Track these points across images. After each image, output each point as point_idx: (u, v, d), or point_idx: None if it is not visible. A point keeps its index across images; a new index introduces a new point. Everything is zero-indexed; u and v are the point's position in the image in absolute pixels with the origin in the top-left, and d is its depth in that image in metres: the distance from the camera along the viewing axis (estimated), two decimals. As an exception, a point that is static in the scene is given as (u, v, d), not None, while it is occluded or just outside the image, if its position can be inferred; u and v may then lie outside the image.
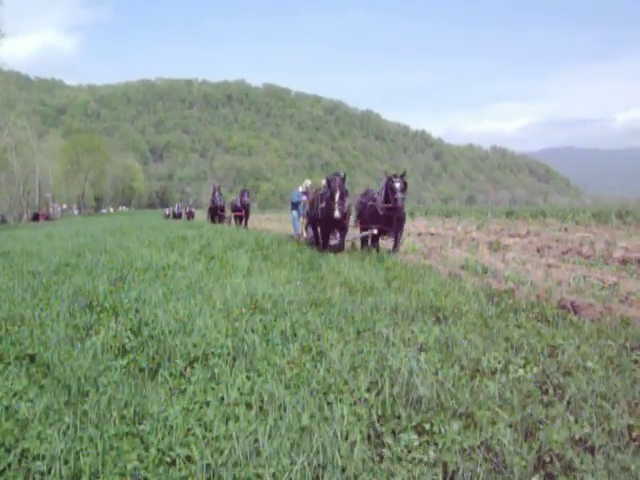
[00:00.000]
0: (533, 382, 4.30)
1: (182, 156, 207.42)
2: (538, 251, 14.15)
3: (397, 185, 12.18)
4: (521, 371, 4.47)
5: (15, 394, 4.05)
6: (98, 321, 6.16)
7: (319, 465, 3.16)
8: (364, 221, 13.97)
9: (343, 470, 3.14)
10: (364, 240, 14.13)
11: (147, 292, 7.46)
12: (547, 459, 3.23)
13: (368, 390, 4.11)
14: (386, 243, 14.59)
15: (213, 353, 4.99)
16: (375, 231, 13.28)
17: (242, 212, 28.40)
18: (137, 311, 6.49)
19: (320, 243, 14.49)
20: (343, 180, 12.52)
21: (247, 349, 5.12)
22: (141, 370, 4.74)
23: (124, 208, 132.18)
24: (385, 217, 12.79)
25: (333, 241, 13.87)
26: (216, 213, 32.08)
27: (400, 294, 7.68)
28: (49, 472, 3.09)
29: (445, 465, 3.17)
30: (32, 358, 4.95)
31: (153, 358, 5.00)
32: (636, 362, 4.76)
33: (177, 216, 57.13)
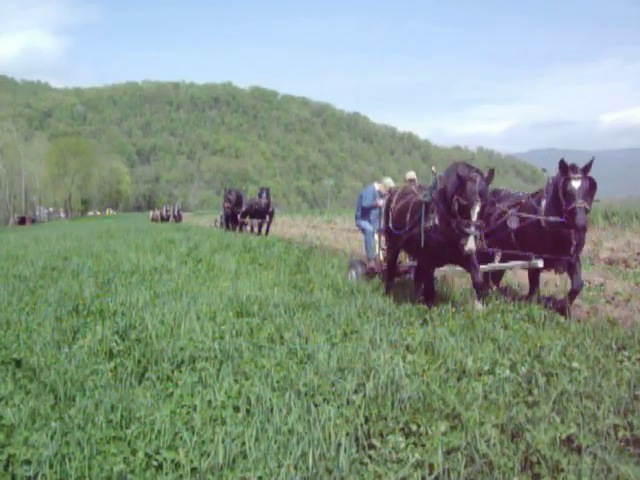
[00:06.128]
0: (519, 383, 4.32)
1: (169, 159, 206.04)
2: (525, 252, 14.18)
3: (577, 184, 6.70)
4: (507, 372, 4.48)
5: (1, 399, 4.02)
6: (85, 325, 6.14)
7: (306, 468, 3.16)
8: (499, 243, 8.07)
9: (330, 472, 3.14)
10: (495, 276, 8.96)
11: (134, 296, 7.43)
12: (534, 459, 3.24)
13: (355, 392, 4.11)
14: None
15: (200, 356, 4.98)
16: (540, 263, 7.59)
17: (263, 217, 22.79)
18: (124, 315, 6.47)
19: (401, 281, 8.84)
20: (488, 180, 6.77)
21: (234, 352, 5.11)
22: (128, 374, 4.73)
23: (112, 211, 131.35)
24: (554, 238, 7.20)
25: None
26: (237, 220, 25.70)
27: (387, 296, 7.71)
28: (35, 477, 3.07)
29: (431, 466, 3.18)
30: (18, 363, 4.93)
31: (140, 362, 4.98)
32: (621, 362, 4.80)
33: (165, 219, 56.96)
